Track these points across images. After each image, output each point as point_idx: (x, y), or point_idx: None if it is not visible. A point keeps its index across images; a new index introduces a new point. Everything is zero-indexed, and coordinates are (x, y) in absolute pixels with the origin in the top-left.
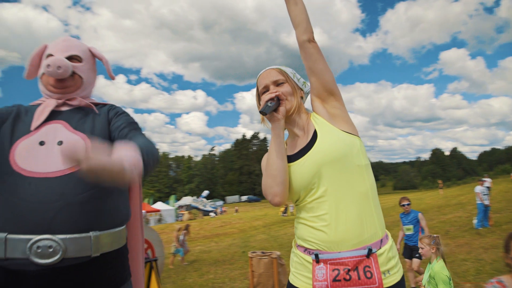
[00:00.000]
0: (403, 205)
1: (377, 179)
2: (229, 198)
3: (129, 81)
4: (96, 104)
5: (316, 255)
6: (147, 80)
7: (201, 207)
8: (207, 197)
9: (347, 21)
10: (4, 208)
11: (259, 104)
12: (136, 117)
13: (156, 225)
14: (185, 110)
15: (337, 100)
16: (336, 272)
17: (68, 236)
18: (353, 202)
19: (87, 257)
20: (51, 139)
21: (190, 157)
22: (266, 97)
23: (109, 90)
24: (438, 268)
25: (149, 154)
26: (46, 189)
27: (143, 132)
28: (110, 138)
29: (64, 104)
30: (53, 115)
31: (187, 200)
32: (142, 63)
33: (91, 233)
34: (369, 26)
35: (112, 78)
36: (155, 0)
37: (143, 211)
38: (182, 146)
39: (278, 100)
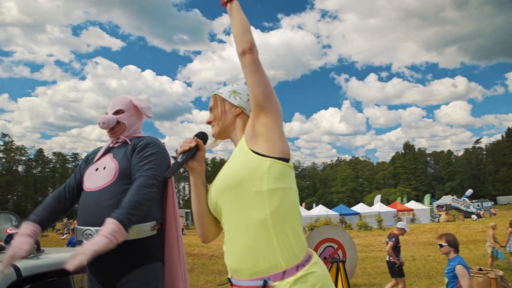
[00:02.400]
0: (439, 246)
1: None
2: (502, 199)
3: (380, 79)
4: (138, 139)
5: (229, 279)
6: (398, 75)
7: (462, 208)
8: (471, 197)
9: None
10: (78, 211)
11: None
12: (391, 114)
13: (408, 224)
14: (444, 100)
15: (267, 116)
16: None
17: (99, 228)
18: (247, 231)
19: None
20: (101, 166)
21: (450, 152)
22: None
23: (362, 91)
24: None
25: (135, 206)
26: (90, 199)
27: (150, 166)
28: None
29: (116, 142)
30: (109, 150)
31: (446, 199)
32: (392, 58)
33: None
34: None
35: (149, 117)
36: None
37: (394, 209)
38: (443, 140)
39: (195, 147)
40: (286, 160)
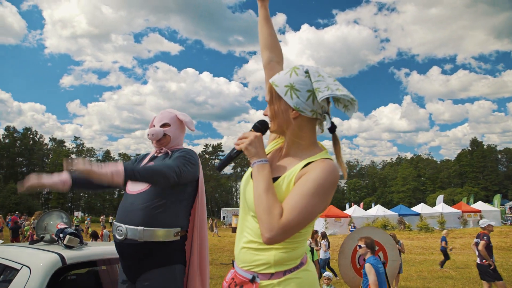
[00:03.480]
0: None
1: None
2: None
3: (443, 72)
4: (177, 150)
5: (233, 261)
6: (464, 66)
7: None
8: None
9: None
10: (118, 209)
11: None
12: (456, 109)
13: (475, 227)
14: None
15: None
16: (232, 281)
17: (129, 226)
18: (252, 235)
19: (137, 241)
20: None
21: None
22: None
23: (424, 85)
24: None
25: (148, 170)
26: (128, 200)
27: (174, 161)
28: None
29: (160, 152)
30: (153, 159)
31: None
32: (457, 49)
33: (140, 228)
34: None
35: (192, 130)
36: None
37: (459, 210)
38: None
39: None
40: None
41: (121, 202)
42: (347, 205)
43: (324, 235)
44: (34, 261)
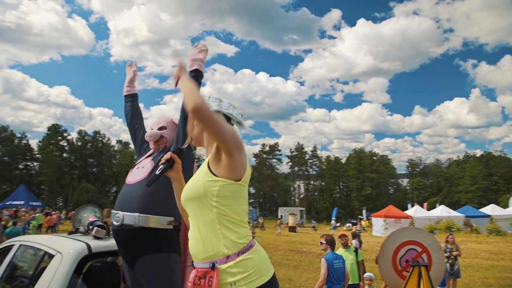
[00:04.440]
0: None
1: None
2: None
3: None
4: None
5: (192, 262)
6: None
7: None
8: None
9: None
10: (117, 199)
11: None
12: None
13: None
14: None
15: (227, 153)
16: (195, 277)
17: (126, 213)
18: (200, 228)
19: (132, 226)
20: (141, 166)
21: None
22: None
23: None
24: None
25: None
26: (126, 190)
27: None
28: None
29: (157, 149)
30: (151, 155)
31: None
32: None
33: (136, 214)
34: None
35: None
36: None
37: None
38: None
39: (171, 160)
40: (238, 180)
41: (120, 192)
42: (409, 205)
43: (355, 235)
44: (66, 248)
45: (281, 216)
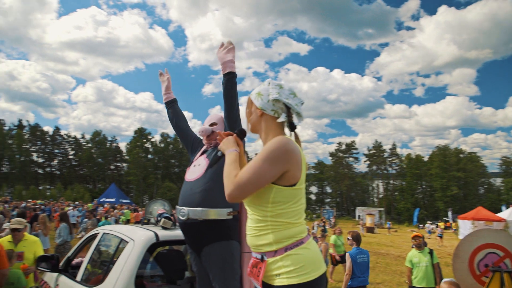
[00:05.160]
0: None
1: None
2: None
3: None
4: None
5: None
6: None
7: None
8: None
9: None
10: (179, 195)
11: None
12: None
13: None
14: None
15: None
16: (250, 265)
17: (190, 208)
18: (253, 220)
19: (197, 220)
20: (197, 163)
21: None
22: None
23: None
24: None
25: None
26: (187, 187)
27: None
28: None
29: (210, 145)
30: (205, 151)
31: None
32: None
33: (199, 208)
34: None
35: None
36: None
37: None
38: None
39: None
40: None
41: (181, 189)
42: (503, 207)
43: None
44: (138, 236)
45: (359, 216)
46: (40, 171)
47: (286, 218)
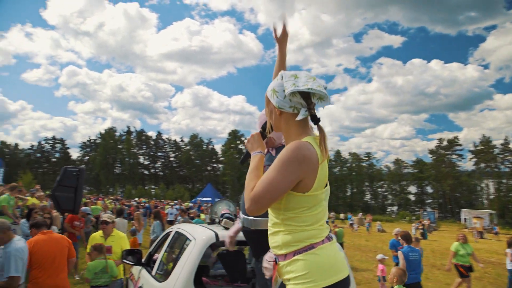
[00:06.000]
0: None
1: None
2: None
3: None
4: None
5: None
6: None
7: None
8: None
9: None
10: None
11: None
12: None
13: None
14: None
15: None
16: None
17: (244, 216)
18: (270, 223)
19: (249, 228)
20: None
21: None
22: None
23: None
24: None
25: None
26: (243, 194)
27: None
28: None
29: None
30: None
31: None
32: None
33: (250, 217)
34: None
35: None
36: None
37: None
38: None
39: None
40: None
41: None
42: None
43: (510, 243)
44: (199, 235)
45: (465, 219)
46: (146, 172)
47: (299, 223)
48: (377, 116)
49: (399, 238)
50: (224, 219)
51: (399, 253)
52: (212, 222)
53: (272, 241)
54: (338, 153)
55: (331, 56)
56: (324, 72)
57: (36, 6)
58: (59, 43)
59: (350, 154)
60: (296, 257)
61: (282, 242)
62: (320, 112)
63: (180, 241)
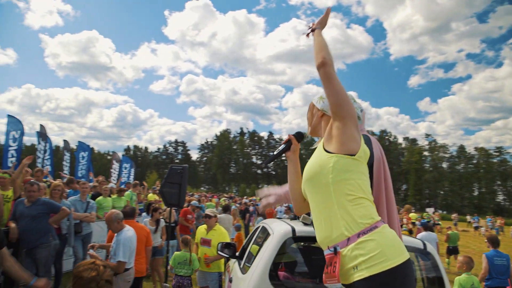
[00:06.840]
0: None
1: None
2: None
3: None
4: None
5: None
6: None
7: None
8: None
9: None
10: None
11: None
12: None
13: None
14: None
15: (340, 120)
16: (325, 267)
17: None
18: (320, 211)
19: None
20: None
21: None
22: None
23: None
24: None
25: None
26: None
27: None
28: None
29: None
30: None
31: None
32: None
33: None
34: None
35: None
36: None
37: None
38: None
39: (288, 142)
40: (353, 154)
41: None
42: None
43: None
44: (278, 230)
45: None
46: (259, 171)
47: (353, 192)
48: (509, 105)
49: (486, 241)
50: (303, 215)
51: (483, 256)
52: (294, 218)
53: (328, 230)
54: (461, 148)
55: (450, 41)
56: (443, 60)
57: (159, 24)
58: (178, 55)
59: (476, 149)
60: (362, 238)
61: (344, 225)
62: (438, 105)
63: (264, 235)
